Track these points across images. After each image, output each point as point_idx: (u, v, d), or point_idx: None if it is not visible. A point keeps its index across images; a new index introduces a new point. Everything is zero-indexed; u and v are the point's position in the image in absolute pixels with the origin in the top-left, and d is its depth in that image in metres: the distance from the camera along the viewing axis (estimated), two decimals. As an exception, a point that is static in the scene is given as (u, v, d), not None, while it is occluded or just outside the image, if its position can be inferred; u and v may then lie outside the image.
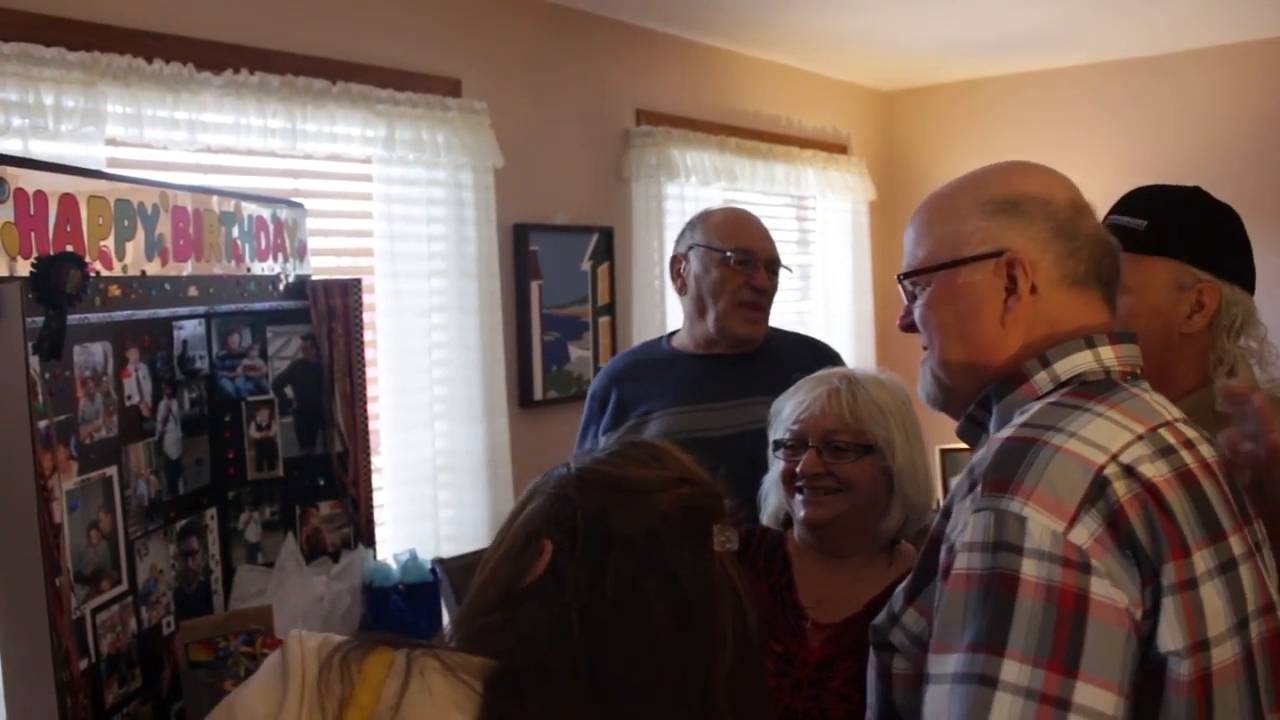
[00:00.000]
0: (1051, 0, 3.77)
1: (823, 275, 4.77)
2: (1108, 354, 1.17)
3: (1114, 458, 1.03)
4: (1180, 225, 1.67)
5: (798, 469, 1.71)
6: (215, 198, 1.99)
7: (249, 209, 2.09)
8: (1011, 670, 0.94)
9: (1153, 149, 4.59)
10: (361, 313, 2.32)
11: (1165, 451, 1.07)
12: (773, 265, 2.34)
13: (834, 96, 4.98)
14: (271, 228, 2.18)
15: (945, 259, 1.22)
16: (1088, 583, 0.96)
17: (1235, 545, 1.06)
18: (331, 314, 2.26)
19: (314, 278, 2.35)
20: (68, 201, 1.56)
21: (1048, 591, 0.95)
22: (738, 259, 2.29)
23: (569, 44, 3.62)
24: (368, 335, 2.56)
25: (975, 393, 1.22)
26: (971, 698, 0.95)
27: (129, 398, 1.71)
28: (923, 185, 5.17)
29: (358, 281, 2.36)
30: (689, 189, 3.91)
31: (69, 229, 1.56)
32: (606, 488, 1.08)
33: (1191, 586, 0.99)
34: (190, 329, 1.91)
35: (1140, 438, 1.06)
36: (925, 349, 1.27)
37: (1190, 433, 1.13)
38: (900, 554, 1.78)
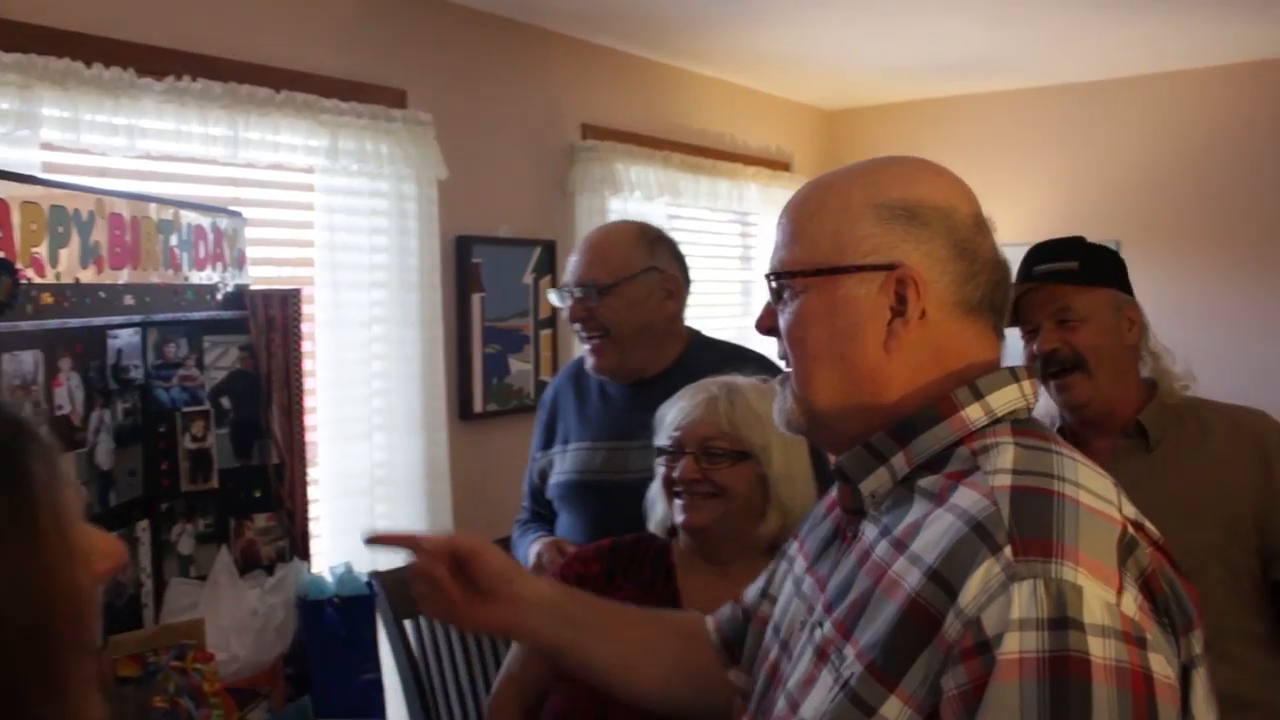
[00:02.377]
0: (993, 26, 3.84)
1: (763, 292, 4.79)
2: (1029, 390, 1.03)
3: (1121, 511, 0.90)
4: (1102, 260, 2.00)
5: (675, 474, 1.76)
6: (153, 205, 1.96)
7: (188, 217, 2.07)
8: None
9: (1089, 173, 4.69)
10: (300, 323, 2.31)
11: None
12: (586, 288, 2.15)
13: (778, 115, 5.03)
14: (211, 236, 2.16)
15: (826, 263, 1.03)
16: (1148, 660, 0.82)
17: (1197, 642, 0.94)
18: (270, 324, 2.24)
19: (253, 288, 2.33)
20: None
21: (1119, 674, 0.80)
22: (566, 290, 2.20)
23: (516, 57, 3.62)
24: (307, 346, 2.54)
25: (845, 424, 1.05)
26: None
27: (59, 407, 1.68)
28: (864, 204, 5.26)
29: (297, 292, 2.34)
30: (633, 204, 3.92)
31: (0, 235, 1.54)
32: None
33: (1200, 662, 0.89)
34: (125, 338, 1.89)
35: (1116, 485, 0.94)
36: (784, 360, 1.10)
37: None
38: None
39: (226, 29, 2.77)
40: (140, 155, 2.55)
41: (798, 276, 1.06)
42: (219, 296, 2.18)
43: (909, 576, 0.90)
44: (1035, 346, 1.94)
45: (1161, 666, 0.82)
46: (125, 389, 1.90)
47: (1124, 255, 2.12)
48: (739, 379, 1.85)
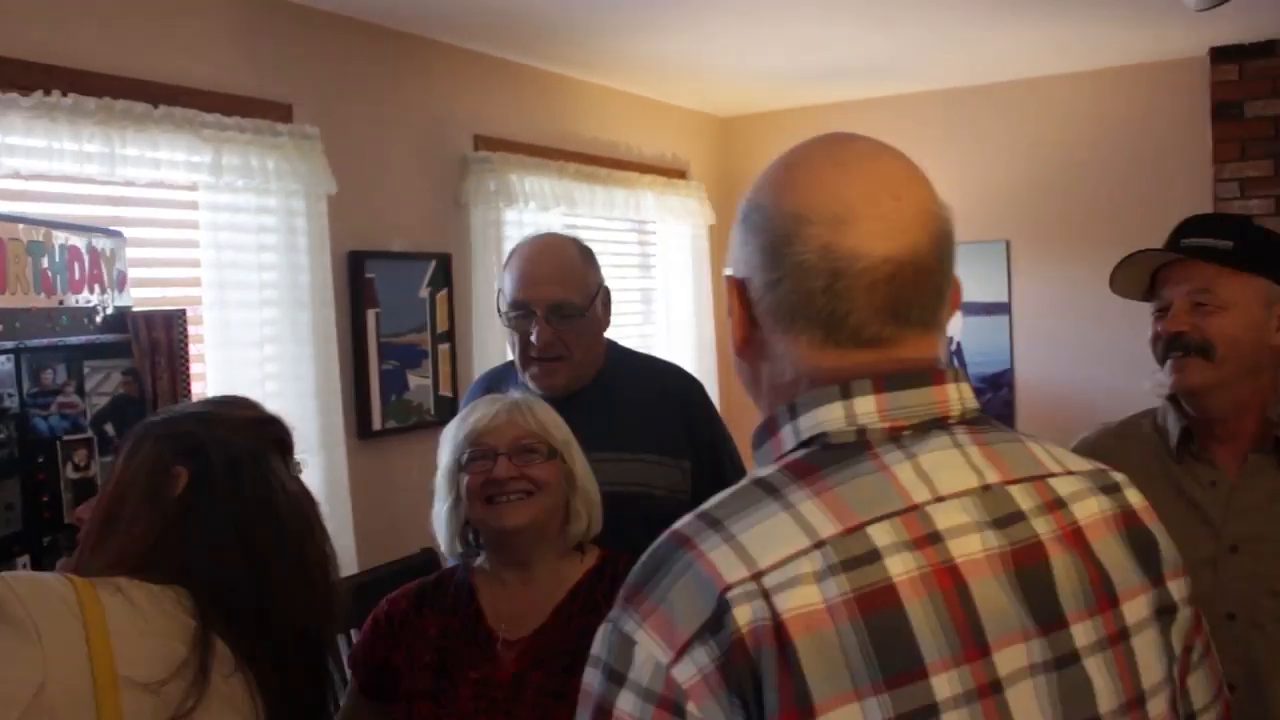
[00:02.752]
0: (881, 31, 3.91)
1: (664, 299, 4.82)
2: (866, 405, 0.90)
3: (757, 576, 0.82)
4: (1263, 246, 1.76)
5: (492, 475, 1.76)
6: (21, 226, 1.89)
7: (60, 238, 1.99)
8: None
9: (977, 175, 4.80)
10: (187, 344, 2.23)
11: (854, 563, 0.83)
12: (557, 310, 2.07)
13: (673, 122, 5.05)
14: (87, 258, 2.08)
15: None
16: None
17: (948, 683, 0.82)
18: (155, 347, 2.17)
19: (135, 309, 2.25)
20: None
21: None
22: (513, 313, 2.10)
23: (404, 69, 3.57)
24: (197, 368, 2.46)
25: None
26: None
27: (-73, 441, 1.60)
28: (760, 210, 5.32)
29: (182, 313, 2.27)
30: (528, 215, 3.90)
31: None
32: (221, 423, 1.40)
33: None
34: (-3, 366, 1.80)
35: (819, 545, 0.83)
36: None
37: (958, 517, 0.87)
38: (586, 556, 1.86)
39: (100, 42, 2.68)
40: (9, 174, 2.45)
41: None
42: (98, 320, 2.10)
43: None
44: (1161, 326, 1.75)
45: None
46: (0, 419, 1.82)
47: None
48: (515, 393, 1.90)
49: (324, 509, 2.97)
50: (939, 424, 0.91)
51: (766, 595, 0.81)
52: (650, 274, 4.86)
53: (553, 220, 4.00)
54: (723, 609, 0.81)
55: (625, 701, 0.82)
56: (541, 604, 1.80)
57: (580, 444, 1.86)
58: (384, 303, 3.37)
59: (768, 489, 0.87)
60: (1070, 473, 0.95)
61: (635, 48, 3.97)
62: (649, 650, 0.82)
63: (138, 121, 2.62)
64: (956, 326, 4.81)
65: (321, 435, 3.03)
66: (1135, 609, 0.92)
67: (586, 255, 2.19)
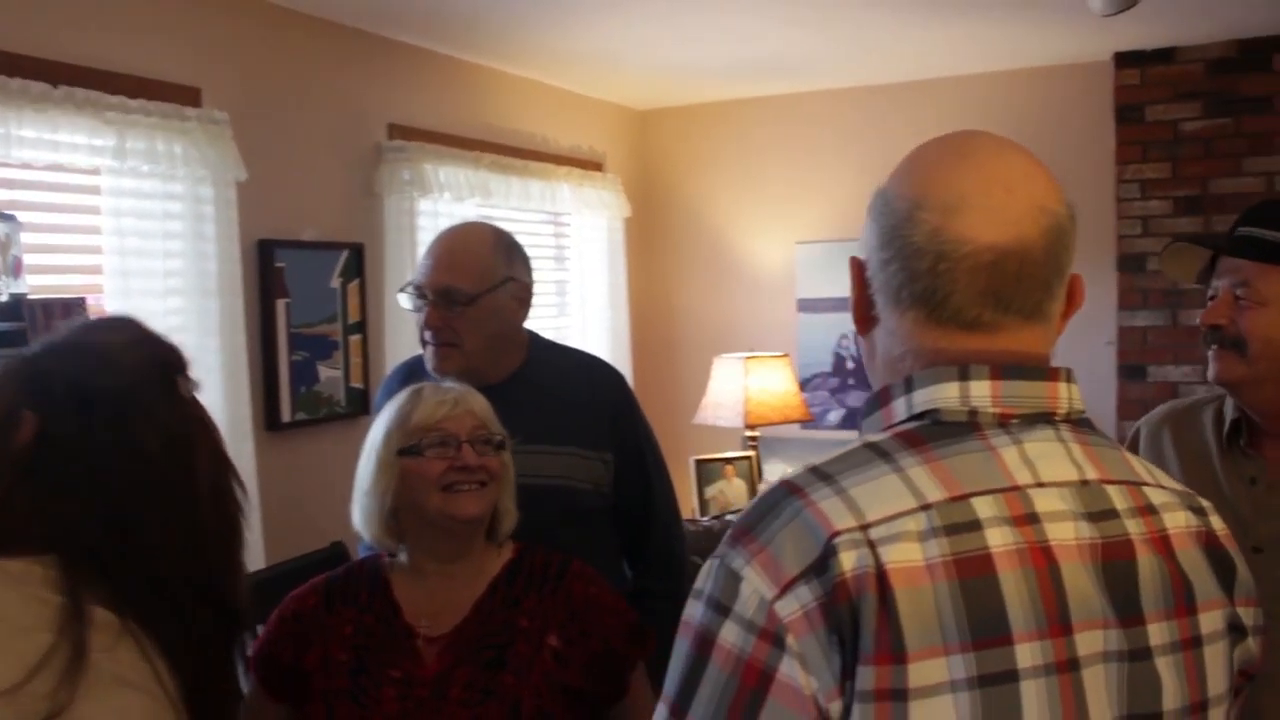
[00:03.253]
0: (800, 28, 3.94)
1: (580, 291, 4.81)
2: (981, 390, 0.95)
3: (864, 527, 0.88)
4: None
5: (459, 462, 1.76)
6: (-91, 210, 1.81)
7: (-49, 222, 1.92)
8: None
9: (886, 172, 4.87)
10: (87, 334, 2.16)
11: (956, 529, 0.89)
12: (444, 296, 2.07)
13: (589, 115, 5.04)
14: (-21, 243, 2.00)
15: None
16: (777, 660, 0.86)
17: (1031, 654, 0.87)
18: (53, 336, 2.10)
19: (32, 297, 2.18)
20: None
21: (735, 663, 0.87)
22: (413, 297, 2.13)
23: (318, 55, 3.50)
24: (95, 358, 2.38)
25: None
26: None
27: None
28: (675, 202, 5.36)
29: (81, 301, 2.21)
30: (443, 205, 3.85)
31: None
32: (79, 354, 1.19)
33: (897, 698, 0.84)
34: (-118, 355, 1.73)
35: (925, 508, 0.89)
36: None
37: (1056, 504, 0.93)
38: (503, 549, 1.85)
39: (-5, 20, 2.58)
40: (-102, 156, 2.35)
41: None
42: (-9, 307, 2.03)
43: None
44: (1204, 316, 1.74)
45: (791, 671, 0.85)
46: (-115, 410, 1.74)
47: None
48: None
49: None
50: (1046, 418, 0.97)
51: (872, 545, 0.87)
52: (565, 266, 4.84)
53: (468, 211, 3.96)
54: (829, 553, 0.87)
55: (728, 632, 0.88)
56: (461, 599, 1.78)
57: None
58: (294, 293, 3.31)
59: (879, 452, 0.94)
60: (1162, 486, 1.00)
61: (553, 39, 3.95)
62: (754, 585, 0.88)
63: (36, 102, 2.53)
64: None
65: (229, 428, 2.96)
66: (1211, 620, 0.96)
67: (500, 247, 2.17)
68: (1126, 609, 0.92)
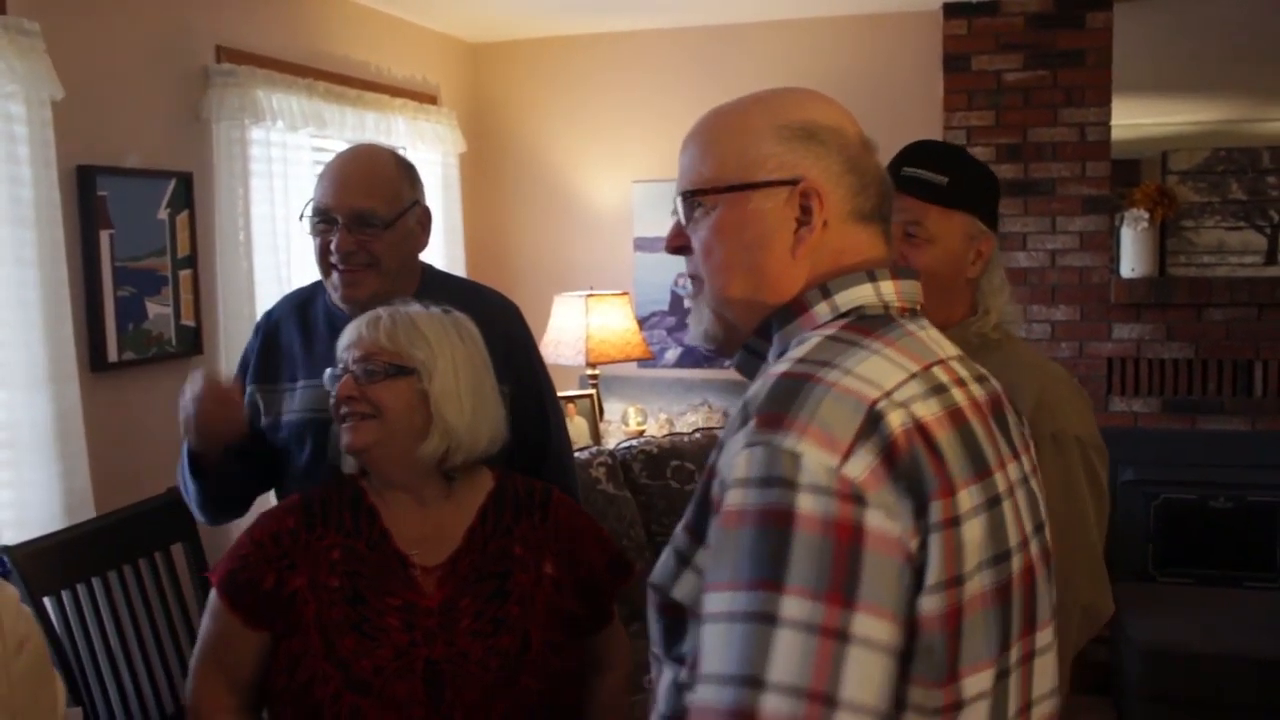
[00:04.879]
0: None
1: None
2: (888, 289, 1.16)
3: (887, 394, 1.02)
4: (974, 183, 1.86)
5: (336, 395, 1.73)
6: None
7: None
8: (792, 606, 0.92)
9: (725, 113, 4.90)
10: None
11: (937, 390, 1.07)
12: (359, 219, 2.01)
13: (423, 45, 4.87)
14: None
15: (736, 180, 1.15)
16: (863, 515, 0.95)
17: (999, 482, 1.08)
18: None
19: None
20: None
21: (824, 525, 0.93)
22: (315, 219, 2.05)
23: (136, -34, 3.24)
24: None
25: (750, 326, 1.18)
26: (753, 637, 0.92)
27: None
28: (511, 139, 5.26)
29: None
30: (275, 134, 3.65)
31: None
32: None
33: (955, 524, 1.00)
34: None
35: (913, 376, 1.06)
36: (693, 279, 1.22)
37: (963, 370, 1.15)
38: (478, 482, 1.82)
39: None
40: None
41: (710, 194, 1.17)
42: None
43: (714, 451, 1.07)
44: None
45: (879, 521, 0.95)
46: None
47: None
48: (414, 305, 1.81)
49: (53, 449, 2.73)
50: (918, 312, 1.19)
51: (903, 406, 1.02)
52: (400, 202, 4.68)
53: (301, 141, 3.77)
54: (876, 417, 1.00)
55: (806, 502, 0.94)
56: (449, 527, 1.74)
57: None
58: (118, 224, 3.07)
59: (846, 341, 1.08)
60: (958, 358, 1.20)
61: (391, -38, 3.77)
62: (816, 458, 0.96)
63: None
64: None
65: (51, 367, 2.74)
66: (1026, 461, 1.20)
67: (403, 169, 2.12)
68: (1011, 447, 1.15)
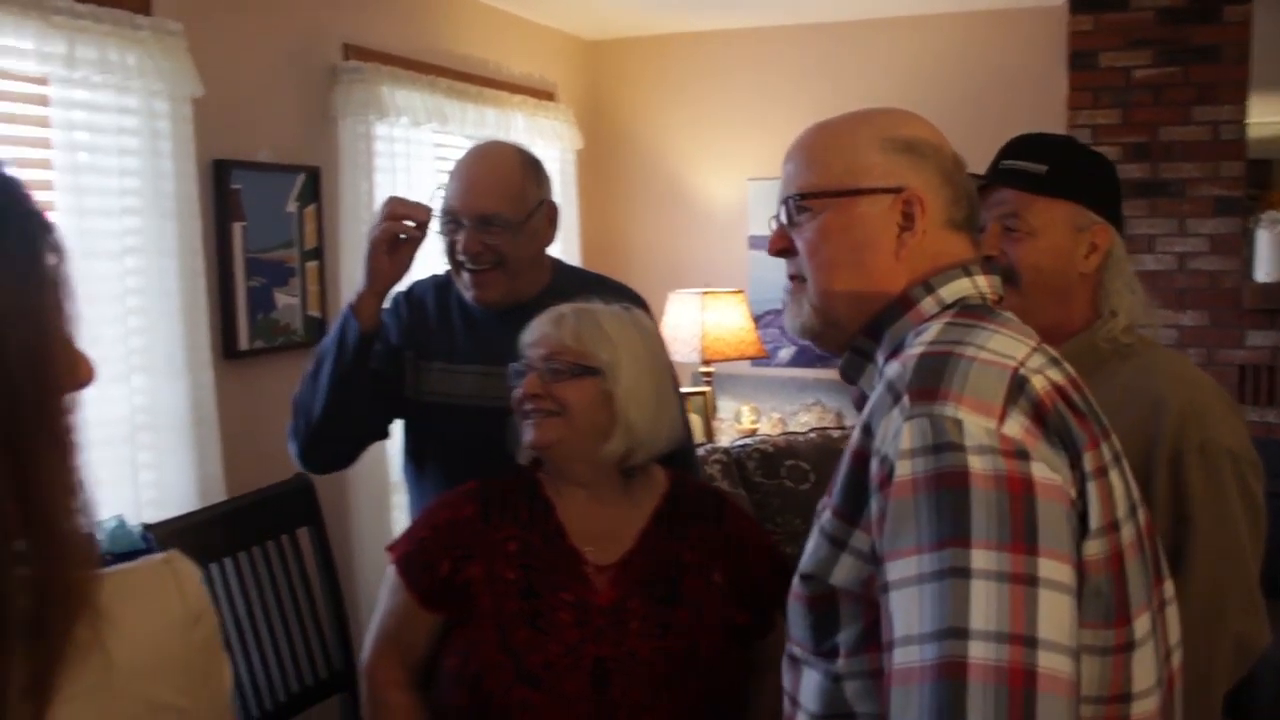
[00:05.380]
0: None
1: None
2: (983, 282, 1.25)
3: (1022, 363, 1.10)
4: (1078, 170, 1.77)
5: (519, 392, 1.74)
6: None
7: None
8: (980, 558, 0.97)
9: (842, 109, 4.84)
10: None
11: (1051, 364, 1.14)
12: (484, 222, 2.03)
13: (542, 43, 4.92)
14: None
15: (844, 186, 1.24)
16: (1029, 468, 1.01)
17: (1105, 451, 1.12)
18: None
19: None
20: None
21: (996, 480, 0.99)
22: (444, 221, 2.07)
23: (271, -34, 3.34)
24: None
25: (856, 324, 1.25)
26: (948, 592, 0.97)
27: None
28: (627, 135, 5.28)
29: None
30: (399, 129, 3.73)
31: None
32: None
33: (1103, 474, 1.08)
34: None
35: (1034, 350, 1.14)
36: (794, 279, 1.29)
37: (1053, 353, 1.20)
38: (652, 482, 1.82)
39: (-62, -88, 2.39)
40: None
41: (819, 198, 1.25)
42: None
43: (854, 437, 1.13)
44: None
45: (1044, 472, 1.01)
46: None
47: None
48: (596, 303, 1.82)
49: (189, 434, 2.83)
50: (999, 301, 1.27)
51: (1039, 371, 1.10)
52: (517, 197, 4.74)
53: (424, 136, 3.85)
54: (1021, 381, 1.07)
55: (976, 461, 1.00)
56: (624, 527, 1.75)
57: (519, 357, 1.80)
58: (250, 216, 3.17)
59: (968, 325, 1.15)
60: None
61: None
62: (976, 422, 1.02)
63: (-19, 3, 2.37)
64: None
65: (188, 354, 2.84)
66: (1110, 445, 1.20)
67: (530, 168, 2.13)
68: (1101, 426, 1.16)
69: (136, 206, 2.75)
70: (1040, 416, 1.05)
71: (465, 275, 2.07)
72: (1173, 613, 1.19)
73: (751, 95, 5.03)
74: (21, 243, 0.79)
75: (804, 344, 4.89)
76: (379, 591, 1.82)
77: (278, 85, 3.36)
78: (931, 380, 1.06)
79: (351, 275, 3.49)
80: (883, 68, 4.83)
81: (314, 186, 3.42)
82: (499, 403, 1.86)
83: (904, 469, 1.02)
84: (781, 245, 1.30)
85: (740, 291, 4.74)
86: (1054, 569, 0.98)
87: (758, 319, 4.91)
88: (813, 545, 1.15)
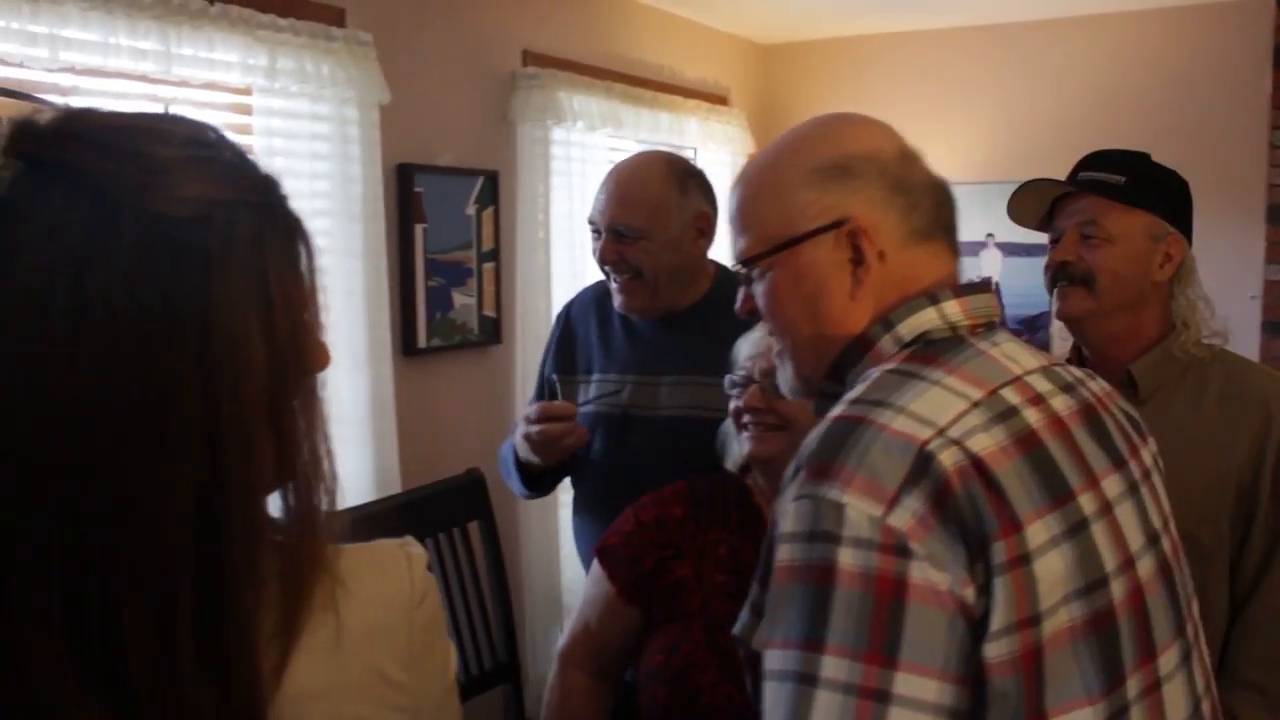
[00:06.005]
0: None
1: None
2: (953, 309, 1.10)
3: (941, 431, 0.96)
4: (1155, 183, 1.84)
5: (740, 403, 1.72)
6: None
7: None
8: (830, 665, 0.89)
9: (1029, 112, 4.70)
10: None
11: (1003, 416, 1.01)
12: (619, 231, 2.08)
13: (715, 47, 4.93)
14: (153, 157, 2.00)
15: (781, 239, 1.12)
16: (906, 567, 0.90)
17: (1087, 504, 1.01)
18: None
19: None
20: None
21: (864, 580, 0.90)
22: (591, 230, 2.14)
23: (455, -23, 3.45)
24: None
25: (824, 372, 1.15)
26: (794, 696, 0.90)
27: None
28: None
29: (244, 218, 2.19)
30: (575, 134, 3.80)
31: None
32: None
33: (1025, 562, 0.94)
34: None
35: (975, 405, 1.00)
36: (773, 338, 1.21)
37: (1044, 384, 1.07)
38: None
39: (155, -66, 2.56)
40: (63, 68, 2.36)
41: (761, 259, 1.14)
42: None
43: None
44: (1051, 255, 1.84)
45: (923, 573, 0.90)
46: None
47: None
48: None
49: (370, 428, 2.95)
50: (994, 324, 1.13)
51: (957, 443, 0.96)
52: (688, 201, 4.76)
53: (600, 141, 3.91)
54: (926, 459, 0.94)
55: (848, 556, 0.91)
56: None
57: (678, 365, 1.81)
58: (431, 218, 3.29)
59: (906, 374, 1.03)
60: (1044, 369, 1.14)
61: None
62: (860, 509, 0.92)
63: (193, 19, 2.52)
64: (996, 266, 4.74)
65: (370, 351, 2.97)
66: (1147, 456, 1.15)
67: (674, 178, 2.13)
68: (1113, 455, 1.07)
69: (327, 209, 2.89)
70: (941, 501, 0.93)
71: (612, 282, 2.12)
72: (1173, 689, 1.04)
73: (931, 98, 4.92)
74: (288, 237, 0.84)
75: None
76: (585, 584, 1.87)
77: (459, 91, 3.47)
78: (829, 454, 0.96)
79: (527, 276, 3.57)
80: (1069, 68, 4.66)
81: (492, 190, 3.52)
82: (651, 412, 1.87)
83: (782, 554, 0.94)
84: (748, 308, 1.20)
85: (913, 298, 4.64)
86: (913, 684, 0.88)
87: (930, 326, 4.80)
88: (744, 608, 1.09)
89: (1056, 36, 4.69)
